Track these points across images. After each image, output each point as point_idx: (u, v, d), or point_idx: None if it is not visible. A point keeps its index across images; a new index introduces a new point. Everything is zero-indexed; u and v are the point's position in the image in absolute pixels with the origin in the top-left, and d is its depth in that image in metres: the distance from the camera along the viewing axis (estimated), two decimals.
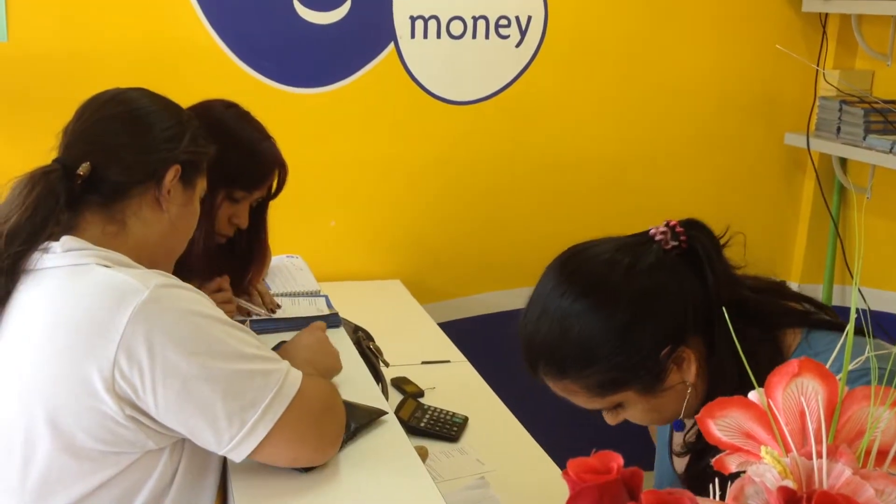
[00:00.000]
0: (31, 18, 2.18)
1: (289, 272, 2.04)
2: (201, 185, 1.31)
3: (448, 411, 1.76)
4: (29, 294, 1.13)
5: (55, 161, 1.20)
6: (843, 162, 2.70)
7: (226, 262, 1.67)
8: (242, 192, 1.62)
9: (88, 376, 1.06)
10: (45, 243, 1.15)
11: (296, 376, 1.18)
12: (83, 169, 1.18)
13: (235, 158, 1.55)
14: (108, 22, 2.21)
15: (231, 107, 1.68)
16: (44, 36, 2.19)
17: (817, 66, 2.69)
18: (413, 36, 2.43)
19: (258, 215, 1.71)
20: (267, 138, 1.68)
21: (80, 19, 2.20)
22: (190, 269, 1.44)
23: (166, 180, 1.23)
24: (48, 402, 1.08)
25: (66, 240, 1.15)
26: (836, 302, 2.82)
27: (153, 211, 1.23)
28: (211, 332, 1.12)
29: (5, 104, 2.20)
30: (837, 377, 0.65)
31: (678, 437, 1.35)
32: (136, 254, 1.19)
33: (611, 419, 1.25)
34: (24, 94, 2.18)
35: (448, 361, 2.03)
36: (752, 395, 0.67)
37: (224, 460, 1.26)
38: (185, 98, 1.61)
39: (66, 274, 1.12)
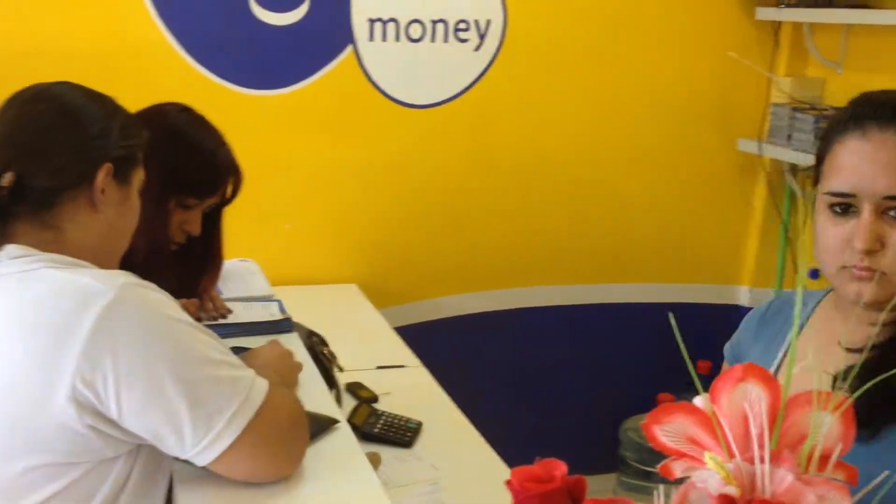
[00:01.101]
0: None
1: (241, 276, 2.01)
2: (138, 178, 1.25)
3: (402, 417, 1.75)
4: None
5: None
6: (794, 168, 2.74)
7: (178, 268, 1.64)
8: (194, 200, 1.59)
9: (48, 385, 1.03)
10: None
11: (262, 384, 1.16)
12: (6, 180, 1.12)
13: (189, 165, 1.52)
14: (58, 21, 2.17)
15: (185, 111, 1.64)
16: None
17: (770, 73, 2.73)
18: (371, 38, 2.42)
19: (212, 222, 1.68)
20: (222, 144, 1.64)
21: (27, 18, 2.15)
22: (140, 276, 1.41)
23: (98, 181, 1.17)
24: (5, 413, 1.05)
25: (11, 248, 1.11)
26: None
27: (88, 213, 1.17)
28: (178, 335, 1.10)
29: None
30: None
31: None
32: (77, 257, 1.15)
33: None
34: None
35: (403, 366, 2.02)
36: (698, 401, 0.67)
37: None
38: (138, 100, 1.58)
39: (17, 281, 1.09)
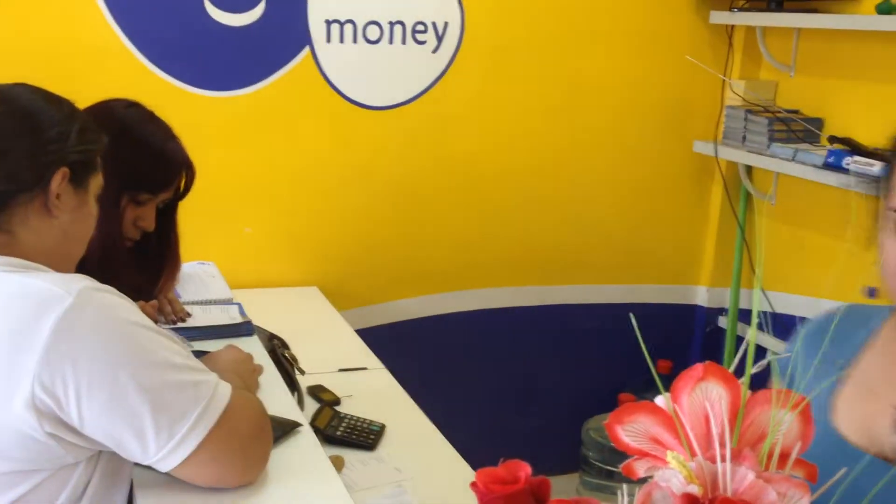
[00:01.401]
0: None
1: (200, 279, 1.99)
2: (96, 183, 1.22)
3: (365, 419, 1.75)
4: None
5: None
6: (749, 169, 2.79)
7: (135, 268, 1.62)
8: (147, 195, 1.57)
9: (6, 393, 1.01)
10: None
11: (225, 389, 1.15)
12: None
13: (139, 160, 1.50)
14: (10, 22, 2.12)
15: (133, 106, 1.62)
16: None
17: (724, 76, 2.77)
18: (329, 40, 2.41)
19: (167, 218, 1.66)
20: (172, 138, 1.62)
21: None
22: (94, 277, 1.39)
23: (53, 185, 1.14)
24: None
25: None
26: (743, 305, 2.91)
27: (42, 218, 1.14)
28: (139, 340, 1.08)
29: None
30: (740, 381, 0.66)
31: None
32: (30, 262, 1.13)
33: None
34: None
35: (365, 368, 2.02)
36: (660, 401, 0.68)
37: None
38: (93, 102, 1.56)
39: None
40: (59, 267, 1.19)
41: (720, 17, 2.69)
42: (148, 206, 1.58)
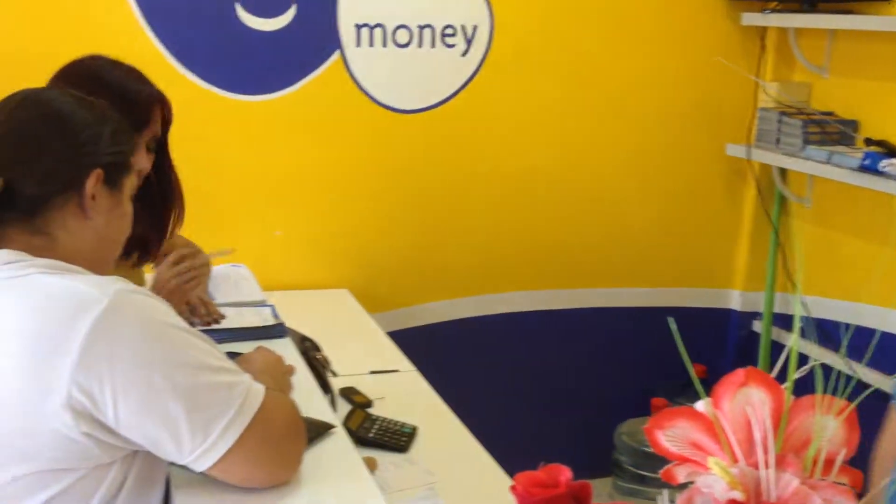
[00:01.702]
0: None
1: (233, 282, 2.00)
2: (130, 184, 1.23)
3: (397, 421, 1.75)
4: None
5: None
6: (783, 172, 2.76)
7: (142, 214, 1.62)
8: None
9: (43, 392, 1.02)
10: None
11: (258, 389, 1.16)
12: None
13: (112, 105, 1.47)
14: (45, 27, 2.16)
15: (97, 57, 1.60)
16: None
17: (757, 78, 2.75)
18: (358, 44, 2.42)
19: (161, 158, 1.65)
20: (138, 79, 1.60)
21: (15, 24, 2.14)
22: None
23: (88, 187, 1.15)
24: None
25: (4, 253, 1.10)
26: (778, 309, 2.88)
27: (79, 220, 1.15)
28: (173, 341, 1.09)
29: None
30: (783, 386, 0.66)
31: None
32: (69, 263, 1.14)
33: None
34: None
35: (397, 371, 2.02)
36: (700, 406, 0.68)
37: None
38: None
39: (8, 287, 1.07)
40: (96, 267, 1.20)
41: (752, 19, 2.67)
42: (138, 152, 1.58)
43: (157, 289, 1.65)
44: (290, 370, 1.52)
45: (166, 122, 1.63)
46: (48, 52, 2.14)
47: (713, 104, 2.79)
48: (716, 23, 2.72)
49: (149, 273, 2.00)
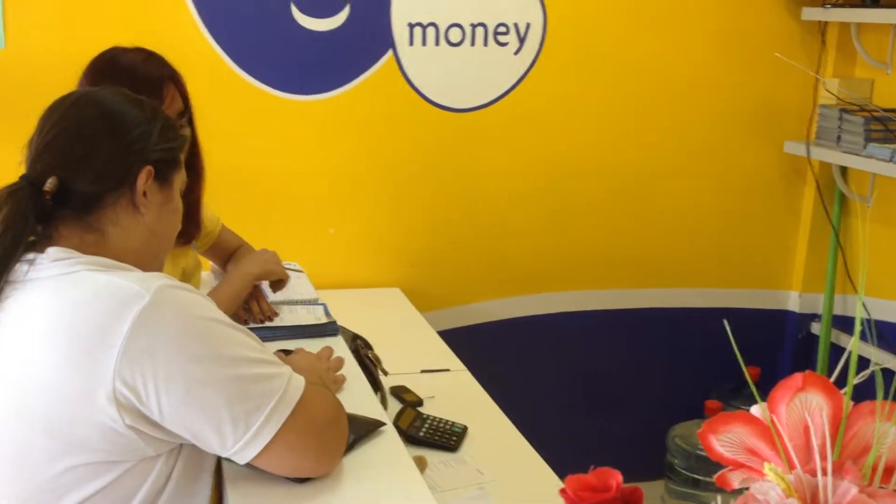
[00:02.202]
0: (29, 25, 2.17)
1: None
2: (179, 179, 1.26)
3: (447, 420, 1.75)
4: (19, 306, 1.11)
5: (22, 178, 1.15)
6: (844, 170, 2.69)
7: None
8: None
9: (89, 386, 1.05)
10: (31, 255, 1.12)
11: (298, 381, 1.17)
12: (50, 185, 1.13)
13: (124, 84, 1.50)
14: (106, 29, 2.21)
15: (115, 47, 1.65)
16: (41, 43, 2.18)
17: (817, 74, 2.68)
18: (411, 43, 2.42)
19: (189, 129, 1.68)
20: (148, 59, 1.64)
21: (77, 26, 2.20)
22: None
23: (139, 184, 1.18)
24: (45, 414, 1.07)
25: (54, 250, 1.13)
26: (837, 311, 2.81)
27: (131, 216, 1.19)
28: (214, 335, 1.11)
29: (3, 110, 2.19)
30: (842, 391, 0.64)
31: None
32: (120, 260, 1.16)
33: None
34: (22, 100, 2.17)
35: (447, 370, 2.02)
36: (755, 410, 0.66)
37: (218, 466, 1.25)
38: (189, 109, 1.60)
39: (57, 283, 1.10)
40: (146, 262, 1.23)
41: (813, 14, 2.61)
42: None
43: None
44: (334, 364, 1.53)
45: (184, 99, 1.66)
46: None
47: (772, 101, 2.73)
48: (775, 18, 2.67)
49: (205, 271, 2.04)
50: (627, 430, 2.79)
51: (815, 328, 2.87)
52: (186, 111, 1.67)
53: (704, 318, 2.80)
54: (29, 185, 1.14)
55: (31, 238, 1.13)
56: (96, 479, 1.09)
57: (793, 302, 2.90)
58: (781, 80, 2.70)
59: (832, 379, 0.66)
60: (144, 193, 1.19)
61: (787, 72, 2.63)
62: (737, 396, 2.70)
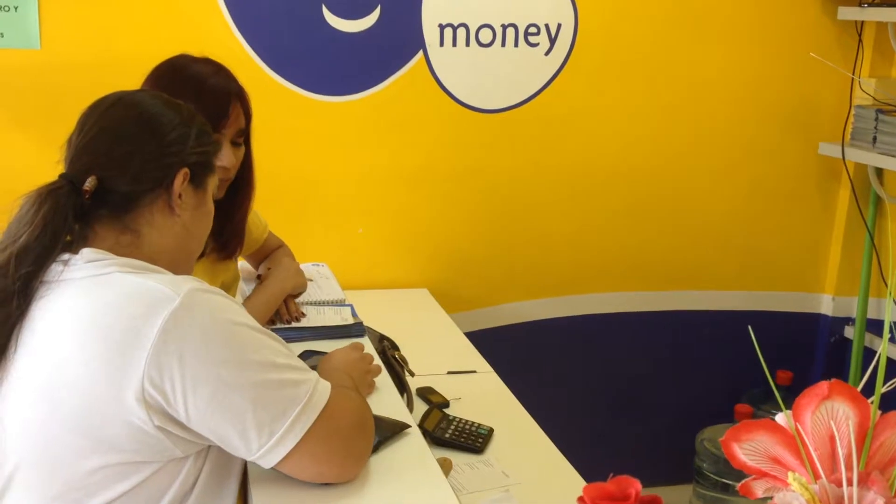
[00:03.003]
0: (64, 27, 2.20)
1: (315, 281, 2.03)
2: (213, 183, 1.28)
3: (473, 422, 1.75)
4: (53, 306, 1.12)
5: (61, 177, 1.17)
6: (880, 172, 2.65)
7: (220, 207, 1.65)
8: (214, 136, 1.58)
9: (118, 386, 1.06)
10: (65, 255, 1.14)
11: (325, 388, 1.18)
12: (89, 184, 1.15)
13: (193, 103, 1.39)
14: (139, 31, 2.23)
15: (184, 55, 1.64)
16: (76, 45, 2.22)
17: (853, 74, 2.64)
18: (442, 44, 2.42)
19: (244, 152, 1.68)
20: (217, 73, 1.62)
21: (111, 28, 2.23)
22: None
23: (176, 185, 1.20)
24: (75, 414, 1.08)
25: (88, 251, 1.14)
26: (871, 315, 2.77)
27: (166, 217, 1.21)
28: (242, 340, 1.12)
29: (39, 111, 2.23)
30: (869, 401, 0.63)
31: None
32: (153, 261, 1.18)
33: None
34: (56, 101, 2.21)
35: (474, 372, 2.02)
36: (780, 418, 0.65)
37: (245, 468, 1.25)
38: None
39: (90, 284, 1.12)
40: (180, 264, 1.25)
41: (849, 13, 2.56)
42: (221, 145, 1.58)
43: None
44: (373, 370, 1.53)
45: (248, 116, 1.66)
46: (142, 56, 2.21)
47: (806, 102, 2.69)
48: (810, 18, 2.63)
49: (241, 261, 2.06)
50: (655, 433, 2.77)
51: (849, 332, 2.83)
52: (247, 129, 1.67)
53: (735, 320, 2.77)
54: (68, 183, 1.16)
55: (69, 238, 1.15)
56: (125, 479, 1.11)
57: (826, 305, 2.86)
58: (817, 81, 2.66)
59: (860, 386, 0.65)
60: (180, 195, 1.21)
61: (823, 72, 2.60)
62: (767, 400, 2.66)
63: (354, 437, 1.21)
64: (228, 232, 1.71)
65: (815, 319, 2.88)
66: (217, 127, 1.56)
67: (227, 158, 1.60)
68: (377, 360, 1.62)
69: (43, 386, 1.10)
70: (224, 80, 1.62)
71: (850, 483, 0.58)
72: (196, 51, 2.29)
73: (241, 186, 1.70)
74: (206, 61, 1.65)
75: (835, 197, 2.80)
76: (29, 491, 1.13)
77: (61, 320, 1.11)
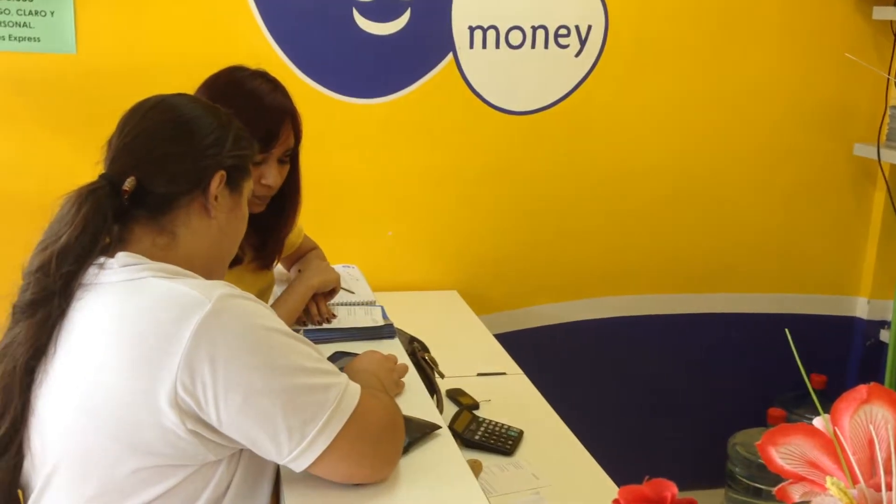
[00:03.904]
0: (100, 32, 2.24)
1: (345, 282, 2.04)
2: (248, 188, 1.30)
3: (503, 424, 1.74)
4: (89, 309, 1.14)
5: (101, 177, 1.19)
6: None
7: (263, 219, 1.66)
8: (262, 154, 1.57)
9: (151, 390, 1.07)
10: (101, 258, 1.15)
11: (354, 390, 1.18)
12: (129, 184, 1.17)
13: (246, 119, 1.40)
14: (173, 35, 2.26)
15: (241, 69, 1.64)
16: (111, 49, 2.25)
17: (888, 74, 2.61)
18: (472, 46, 2.43)
19: (291, 170, 1.68)
20: (275, 90, 1.63)
21: (146, 33, 2.26)
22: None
23: (212, 187, 1.22)
24: (110, 416, 1.09)
25: (122, 255, 1.16)
26: None
27: (202, 219, 1.22)
28: (272, 345, 1.12)
29: (74, 114, 2.26)
30: None
31: None
32: (188, 263, 1.19)
33: None
34: (92, 104, 2.24)
35: (504, 374, 2.02)
36: (818, 422, 0.64)
37: (278, 470, 1.26)
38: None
39: (124, 289, 1.13)
40: (213, 266, 1.26)
41: (884, 13, 2.53)
42: (268, 164, 1.60)
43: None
44: (399, 370, 1.54)
45: (297, 138, 1.67)
46: (175, 59, 2.26)
47: (840, 103, 2.66)
48: (844, 18, 2.60)
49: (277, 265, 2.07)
50: (687, 436, 2.75)
51: (885, 335, 2.79)
52: (296, 148, 1.68)
53: (769, 323, 2.74)
54: (108, 184, 1.18)
55: (107, 240, 1.16)
56: (160, 483, 1.12)
57: (861, 308, 2.82)
58: (851, 81, 2.63)
59: None
60: (216, 198, 1.22)
61: (858, 72, 2.57)
62: (801, 404, 2.63)
63: (385, 439, 1.21)
64: (270, 247, 1.73)
65: (850, 322, 2.84)
66: (268, 146, 1.59)
67: (272, 177, 1.62)
68: (404, 362, 1.63)
69: (79, 389, 1.12)
70: (280, 99, 1.63)
71: (889, 488, 0.57)
72: (228, 54, 2.31)
73: (287, 203, 1.72)
74: (263, 76, 1.65)
75: (870, 198, 2.76)
76: (66, 492, 1.14)
77: (96, 324, 1.13)
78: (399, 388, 1.54)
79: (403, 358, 1.71)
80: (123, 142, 1.21)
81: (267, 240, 1.71)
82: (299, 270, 1.92)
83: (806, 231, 2.76)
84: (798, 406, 2.62)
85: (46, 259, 1.14)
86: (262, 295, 1.80)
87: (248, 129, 1.37)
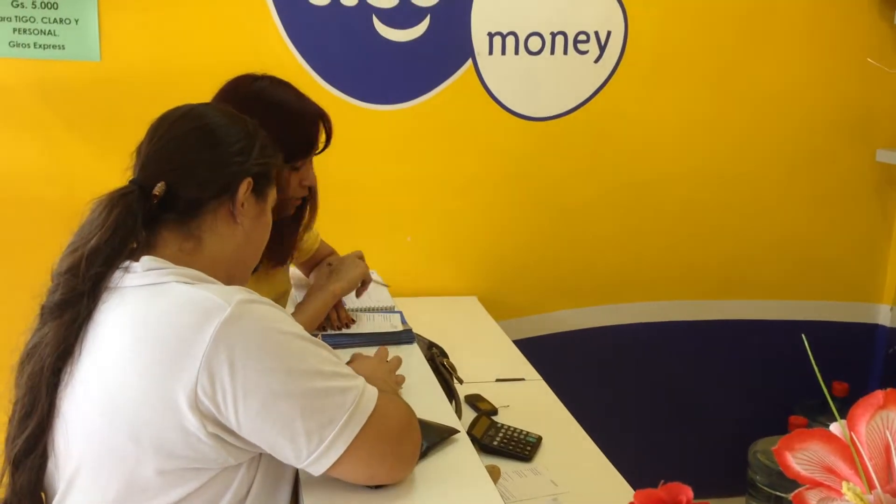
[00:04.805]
0: (123, 39, 2.27)
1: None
2: (272, 195, 1.33)
3: (522, 430, 1.74)
4: (113, 312, 1.16)
5: (131, 182, 1.22)
6: None
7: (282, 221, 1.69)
8: (301, 160, 1.64)
9: (172, 393, 1.09)
10: (126, 262, 1.17)
11: (372, 393, 1.19)
12: (158, 189, 1.20)
13: (280, 127, 1.46)
14: (196, 42, 2.29)
15: (260, 79, 1.66)
16: (134, 56, 2.28)
17: None
18: (491, 52, 2.43)
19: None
20: (301, 96, 1.66)
21: (168, 40, 2.28)
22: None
23: (239, 194, 1.25)
24: (132, 419, 1.11)
25: (147, 260, 1.18)
26: None
27: (228, 225, 1.25)
28: (291, 349, 1.14)
29: (98, 121, 2.29)
30: None
31: None
32: (212, 269, 1.22)
33: None
34: (115, 111, 2.27)
35: (523, 379, 2.02)
36: (835, 428, 0.64)
37: (297, 474, 1.27)
38: None
39: (147, 293, 1.15)
40: (236, 272, 1.28)
41: None
42: (306, 167, 1.66)
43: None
44: (393, 365, 1.54)
45: (328, 137, 1.70)
46: (198, 67, 2.28)
47: (863, 108, 2.64)
48: (866, 23, 2.58)
49: (293, 268, 2.09)
50: (707, 444, 2.73)
51: None
52: (324, 149, 1.71)
53: (790, 330, 2.72)
54: (138, 188, 1.20)
55: (135, 244, 1.19)
56: (182, 486, 1.13)
57: (883, 315, 2.80)
58: (874, 87, 2.61)
59: None
60: (243, 204, 1.25)
61: (880, 78, 2.55)
62: (822, 412, 2.61)
63: (402, 440, 1.22)
64: (287, 244, 1.75)
65: (872, 330, 2.81)
66: (308, 152, 1.64)
67: (312, 178, 1.67)
68: (422, 367, 1.63)
69: (103, 392, 1.13)
70: (308, 104, 1.66)
71: None
72: (250, 61, 2.33)
73: (307, 203, 1.75)
74: (281, 83, 1.68)
75: (893, 204, 2.74)
76: (88, 493, 1.15)
77: (120, 327, 1.14)
78: (399, 383, 1.54)
79: (422, 363, 1.71)
80: (153, 148, 1.24)
81: (284, 239, 1.72)
82: (329, 264, 1.94)
83: (828, 238, 2.74)
84: (820, 413, 2.60)
85: (76, 260, 1.16)
86: (279, 300, 1.82)
87: (288, 139, 1.40)
